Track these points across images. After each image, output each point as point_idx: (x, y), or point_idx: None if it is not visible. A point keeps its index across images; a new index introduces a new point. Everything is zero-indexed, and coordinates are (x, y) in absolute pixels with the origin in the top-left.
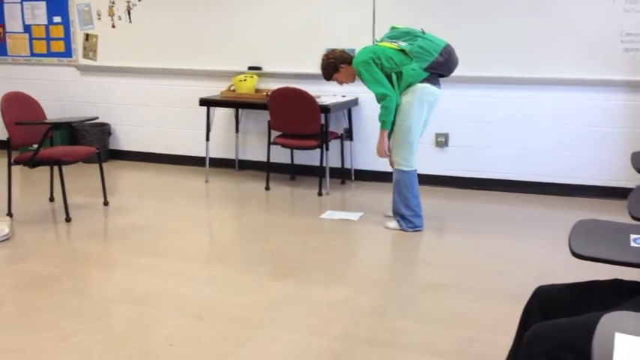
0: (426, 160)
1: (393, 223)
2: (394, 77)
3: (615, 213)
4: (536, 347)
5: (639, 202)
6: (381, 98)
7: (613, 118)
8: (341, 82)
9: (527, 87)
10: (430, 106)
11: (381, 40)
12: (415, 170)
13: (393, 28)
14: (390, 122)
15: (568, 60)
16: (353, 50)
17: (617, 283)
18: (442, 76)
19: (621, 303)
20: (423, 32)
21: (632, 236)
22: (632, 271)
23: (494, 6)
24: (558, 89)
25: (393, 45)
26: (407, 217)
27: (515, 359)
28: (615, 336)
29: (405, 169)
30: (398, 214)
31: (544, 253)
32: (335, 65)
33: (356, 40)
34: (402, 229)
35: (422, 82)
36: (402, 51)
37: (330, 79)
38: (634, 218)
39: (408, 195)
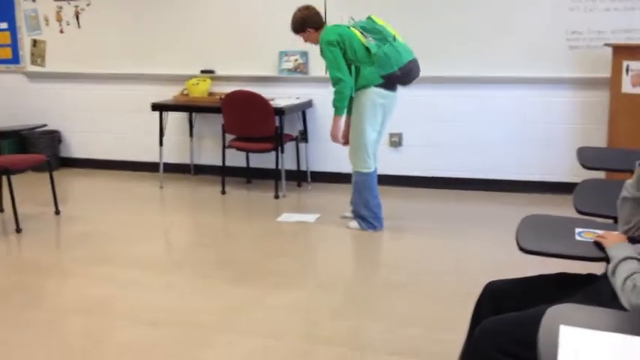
0: (381, 161)
1: (353, 223)
2: (353, 69)
3: (562, 207)
4: (486, 342)
5: (584, 196)
6: (335, 82)
7: (560, 114)
8: (305, 41)
9: (475, 86)
10: (385, 109)
11: (354, 26)
12: (373, 171)
13: (369, 18)
14: (342, 108)
15: (515, 58)
16: (306, 53)
17: (564, 277)
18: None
19: (568, 295)
20: (394, 39)
21: (577, 230)
22: (578, 263)
23: (441, 7)
24: (506, 87)
25: (362, 38)
26: (366, 218)
27: (469, 355)
28: (560, 328)
29: (362, 170)
30: (358, 215)
31: (496, 250)
32: (303, 24)
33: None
34: (362, 229)
35: (377, 85)
36: (367, 49)
37: (296, 33)
38: (579, 212)
39: (367, 196)
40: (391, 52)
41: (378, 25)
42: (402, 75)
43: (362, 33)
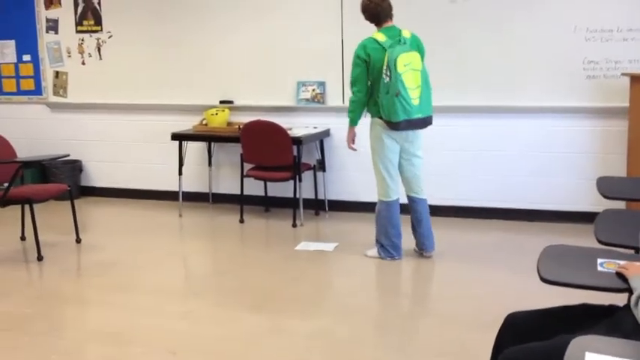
0: (401, 188)
1: (372, 251)
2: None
3: (583, 237)
4: None
5: (605, 226)
6: (350, 86)
7: (578, 143)
8: None
9: (494, 115)
10: (396, 143)
11: (390, 51)
12: (394, 201)
13: (413, 52)
14: (354, 119)
15: (533, 88)
16: (324, 83)
17: (585, 308)
18: None
19: (590, 327)
20: (411, 88)
21: (599, 260)
22: (600, 293)
23: (459, 35)
24: (524, 117)
25: (402, 68)
26: (385, 247)
27: None
28: (586, 355)
29: (382, 198)
30: (378, 242)
31: (517, 279)
32: (365, 14)
33: (326, 71)
34: (380, 257)
35: (382, 120)
36: (390, 76)
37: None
38: (600, 242)
39: (386, 225)
40: (390, 105)
41: (423, 70)
42: (401, 127)
43: (387, 65)
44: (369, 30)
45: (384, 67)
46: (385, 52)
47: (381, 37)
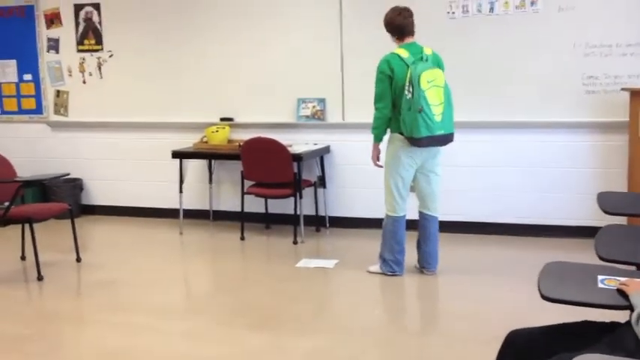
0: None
1: (374, 267)
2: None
3: (584, 252)
4: None
5: (606, 243)
6: (375, 109)
7: (578, 158)
8: None
9: (494, 130)
10: (412, 160)
11: (414, 68)
12: (401, 217)
13: (438, 66)
14: (378, 136)
15: (533, 103)
16: (324, 100)
17: (586, 325)
18: None
19: (591, 344)
20: (434, 104)
21: (599, 277)
22: (602, 310)
23: (458, 51)
24: (524, 132)
25: (425, 85)
26: (387, 261)
27: None
28: None
29: (389, 213)
30: (381, 257)
31: (517, 295)
32: (388, 27)
33: (326, 88)
34: (381, 273)
35: (402, 135)
36: (412, 91)
37: None
38: (601, 258)
39: (390, 240)
40: (412, 121)
41: (428, 89)
42: (423, 144)
43: (410, 82)
44: (369, 47)
45: (407, 84)
46: (408, 68)
47: (404, 52)
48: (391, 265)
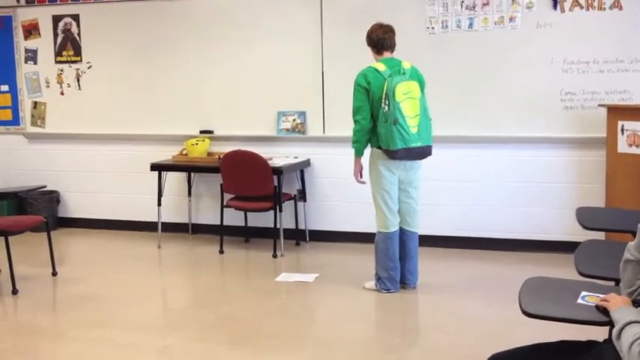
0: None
1: (370, 283)
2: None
3: (562, 267)
4: None
5: (585, 258)
6: (354, 122)
7: (556, 174)
8: None
9: (472, 145)
10: (395, 174)
11: (400, 80)
12: (393, 233)
13: (412, 81)
14: (359, 149)
15: (511, 118)
16: (304, 113)
17: (564, 345)
18: None
19: None
20: (409, 117)
21: (582, 293)
22: (580, 326)
23: (437, 66)
24: (502, 147)
25: (400, 97)
26: (382, 279)
27: None
28: None
29: (381, 230)
30: (376, 274)
31: (497, 311)
32: (368, 40)
33: (306, 101)
34: (376, 290)
35: (380, 149)
36: (388, 105)
37: None
38: (581, 274)
39: (384, 258)
40: (388, 133)
41: (422, 99)
42: (401, 154)
43: (386, 94)
44: (350, 61)
45: (383, 97)
46: (385, 81)
47: (381, 66)
48: (385, 283)
